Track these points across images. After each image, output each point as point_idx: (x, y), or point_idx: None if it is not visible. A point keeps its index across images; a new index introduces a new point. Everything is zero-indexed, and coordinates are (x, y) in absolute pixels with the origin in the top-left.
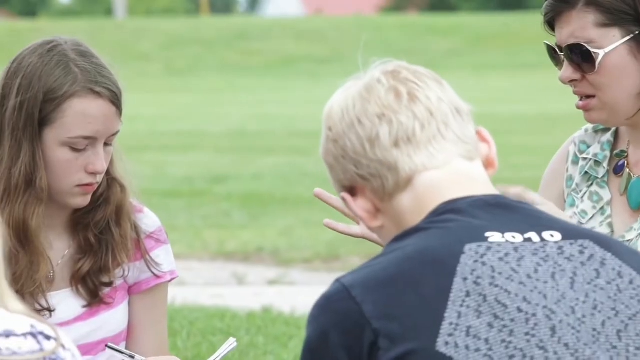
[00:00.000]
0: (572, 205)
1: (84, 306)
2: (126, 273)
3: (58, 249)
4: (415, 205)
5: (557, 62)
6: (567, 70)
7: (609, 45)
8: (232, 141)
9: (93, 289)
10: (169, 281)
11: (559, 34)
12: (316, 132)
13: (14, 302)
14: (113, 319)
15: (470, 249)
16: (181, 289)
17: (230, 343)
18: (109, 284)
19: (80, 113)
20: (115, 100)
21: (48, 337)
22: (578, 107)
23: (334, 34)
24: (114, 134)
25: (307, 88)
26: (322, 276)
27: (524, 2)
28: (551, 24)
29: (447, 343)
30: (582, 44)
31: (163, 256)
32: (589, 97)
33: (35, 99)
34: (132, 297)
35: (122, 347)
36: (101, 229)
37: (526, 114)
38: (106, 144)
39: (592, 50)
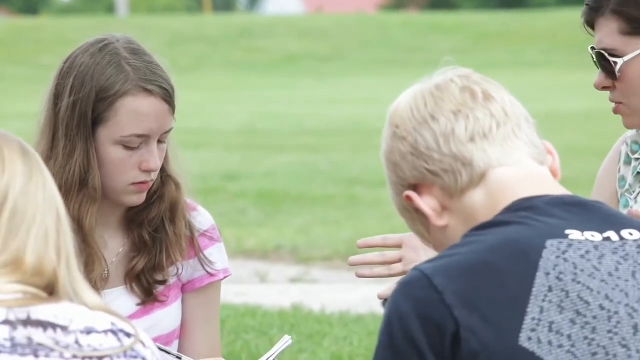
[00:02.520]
0: (626, 206)
1: (138, 304)
2: (180, 271)
3: (112, 247)
4: (488, 201)
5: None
6: (600, 77)
7: (631, 53)
8: (241, 139)
9: (147, 287)
10: (222, 279)
11: (595, 39)
12: (324, 130)
13: (92, 295)
14: (167, 317)
15: (552, 244)
16: None
17: (285, 341)
18: (163, 282)
19: (133, 111)
20: (168, 97)
21: (128, 335)
22: (614, 112)
23: (337, 32)
24: (167, 132)
25: (311, 86)
26: (343, 274)
27: (524, 1)
28: (592, 27)
29: (529, 338)
30: (603, 51)
31: (216, 254)
32: (620, 102)
33: (88, 98)
34: (185, 295)
35: (169, 348)
36: (155, 226)
37: (534, 113)
38: (160, 142)
39: (611, 58)
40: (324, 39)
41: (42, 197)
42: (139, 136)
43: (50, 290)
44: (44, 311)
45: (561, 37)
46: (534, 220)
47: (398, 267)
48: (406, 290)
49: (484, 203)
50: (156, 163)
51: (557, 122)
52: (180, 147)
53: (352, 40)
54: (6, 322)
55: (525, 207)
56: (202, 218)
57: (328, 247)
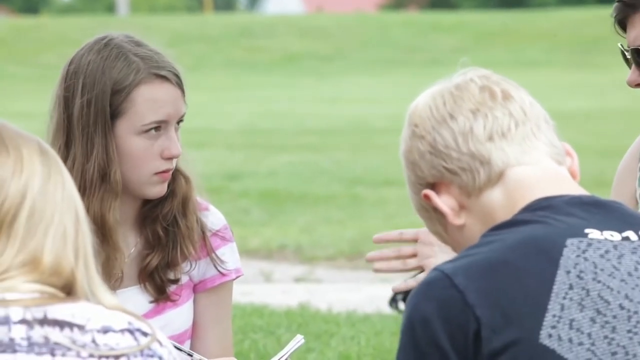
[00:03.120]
0: None
1: (151, 301)
2: (192, 267)
3: (127, 245)
4: (506, 200)
5: (629, 65)
6: (634, 74)
7: None
8: (243, 138)
9: (160, 285)
10: (234, 279)
11: (627, 36)
12: (325, 130)
13: (109, 296)
14: (179, 317)
15: (572, 243)
16: None
17: (298, 340)
18: (176, 281)
19: (150, 99)
20: (179, 82)
21: (145, 334)
22: None
23: (337, 32)
24: (182, 117)
25: (312, 86)
26: (347, 274)
27: (524, 0)
28: (623, 24)
29: (550, 335)
30: None
31: (228, 254)
32: None
33: (103, 94)
34: (197, 295)
35: (181, 346)
36: (169, 221)
37: None
38: (175, 128)
39: None
40: (324, 39)
41: (60, 197)
42: (159, 122)
43: (68, 290)
44: (61, 310)
45: (561, 36)
46: (553, 219)
47: (413, 262)
48: (427, 290)
49: (502, 202)
50: (177, 149)
51: (557, 121)
52: (182, 146)
53: (353, 40)
54: (23, 321)
55: (544, 207)
56: (213, 217)
57: (332, 247)
